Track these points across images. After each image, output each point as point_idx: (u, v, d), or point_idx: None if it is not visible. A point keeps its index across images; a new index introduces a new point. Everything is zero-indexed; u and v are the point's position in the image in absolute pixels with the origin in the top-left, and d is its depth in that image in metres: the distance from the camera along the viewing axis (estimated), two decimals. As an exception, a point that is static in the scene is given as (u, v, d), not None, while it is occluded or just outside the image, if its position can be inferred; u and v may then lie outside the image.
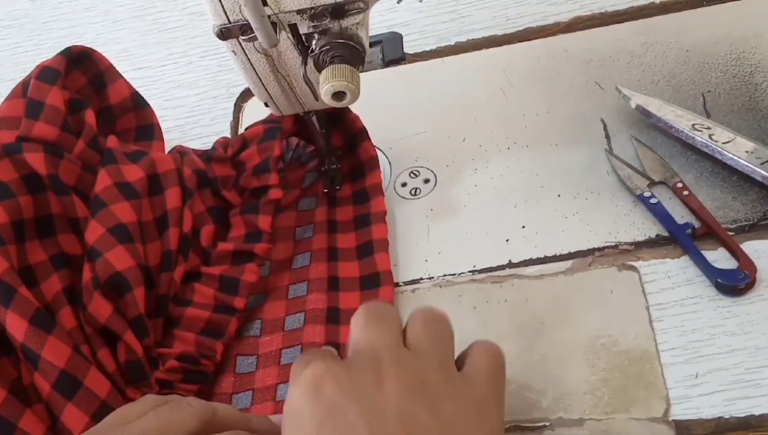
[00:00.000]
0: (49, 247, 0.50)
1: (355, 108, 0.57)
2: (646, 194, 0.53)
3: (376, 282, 0.52)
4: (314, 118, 0.55)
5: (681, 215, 0.51)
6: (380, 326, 0.41)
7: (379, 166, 0.58)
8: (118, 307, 0.48)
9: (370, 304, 0.43)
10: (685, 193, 0.52)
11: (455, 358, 0.41)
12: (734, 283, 0.47)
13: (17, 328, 0.44)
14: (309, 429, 0.37)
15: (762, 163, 0.50)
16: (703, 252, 0.49)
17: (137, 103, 0.60)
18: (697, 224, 0.51)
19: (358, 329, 0.41)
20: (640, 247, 0.51)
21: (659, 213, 0.52)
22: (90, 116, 0.55)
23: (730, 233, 0.50)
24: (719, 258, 0.49)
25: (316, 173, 0.59)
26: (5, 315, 0.44)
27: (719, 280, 0.47)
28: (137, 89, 0.60)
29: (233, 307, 0.52)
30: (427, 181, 0.58)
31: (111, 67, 0.58)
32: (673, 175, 0.53)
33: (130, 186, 0.52)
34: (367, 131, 0.58)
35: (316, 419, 0.37)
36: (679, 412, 0.44)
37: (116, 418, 0.41)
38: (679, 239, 0.50)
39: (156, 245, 0.52)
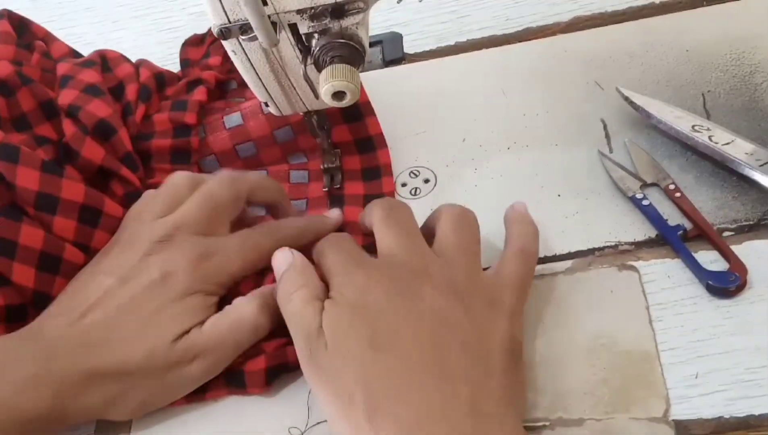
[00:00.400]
0: (28, 135, 0.53)
1: (355, 108, 0.57)
2: (638, 196, 0.53)
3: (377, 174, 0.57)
4: (314, 118, 0.55)
5: (679, 216, 0.52)
6: (402, 233, 0.46)
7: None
8: (107, 150, 0.53)
9: (387, 203, 0.48)
10: (677, 194, 0.52)
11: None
12: (724, 285, 0.47)
13: (30, 179, 0.48)
14: (360, 333, 0.41)
15: (761, 165, 0.51)
16: (698, 253, 0.49)
17: (77, 56, 0.63)
18: (688, 226, 0.51)
19: (383, 234, 0.46)
20: (640, 247, 0.51)
21: (651, 215, 0.52)
22: (39, 44, 0.60)
23: (730, 234, 0.50)
24: (715, 259, 0.49)
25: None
26: (15, 170, 0.47)
27: (710, 282, 0.47)
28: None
29: (185, 123, 0.57)
30: (427, 181, 0.58)
31: (49, 33, 0.62)
32: (665, 177, 0.53)
33: (87, 61, 0.58)
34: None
35: (367, 324, 0.41)
36: (679, 412, 0.44)
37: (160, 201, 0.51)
38: (671, 241, 0.50)
39: (117, 106, 0.56)
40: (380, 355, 0.40)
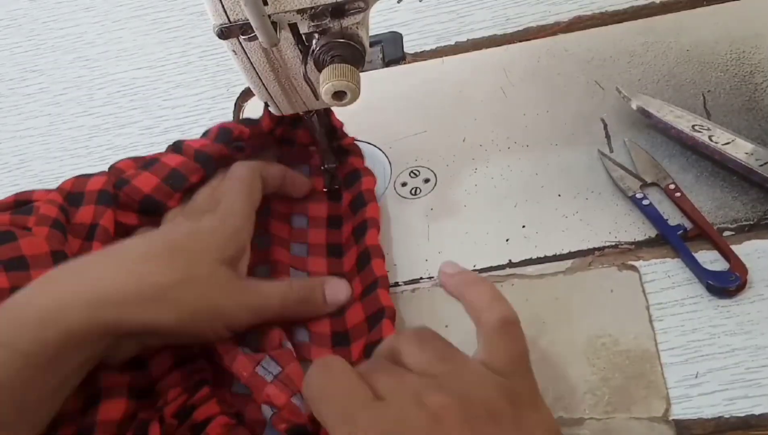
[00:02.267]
0: None
1: (355, 108, 0.57)
2: (639, 195, 0.53)
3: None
4: (315, 118, 0.55)
5: (679, 216, 0.52)
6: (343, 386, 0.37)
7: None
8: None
9: (319, 364, 0.39)
10: (677, 194, 0.52)
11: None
12: (725, 285, 0.47)
13: None
14: None
15: (761, 165, 0.51)
16: (698, 253, 0.49)
17: None
18: (689, 226, 0.51)
19: (317, 399, 0.38)
20: (641, 246, 0.51)
21: (651, 215, 0.52)
22: None
23: (730, 233, 0.50)
24: (715, 259, 0.49)
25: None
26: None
27: (710, 281, 0.47)
28: (137, 89, 0.60)
29: None
30: (427, 180, 0.58)
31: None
32: (665, 177, 0.53)
33: None
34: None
35: None
36: (679, 412, 0.44)
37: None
38: (671, 241, 0.50)
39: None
40: None
